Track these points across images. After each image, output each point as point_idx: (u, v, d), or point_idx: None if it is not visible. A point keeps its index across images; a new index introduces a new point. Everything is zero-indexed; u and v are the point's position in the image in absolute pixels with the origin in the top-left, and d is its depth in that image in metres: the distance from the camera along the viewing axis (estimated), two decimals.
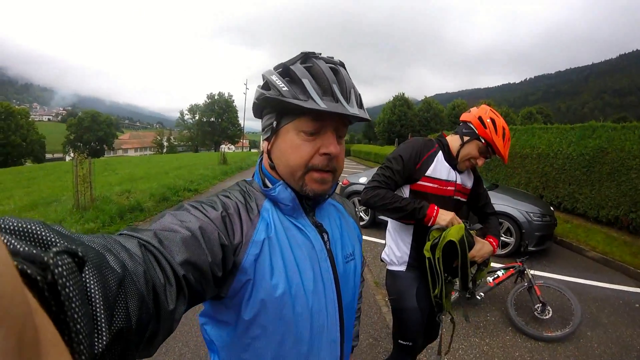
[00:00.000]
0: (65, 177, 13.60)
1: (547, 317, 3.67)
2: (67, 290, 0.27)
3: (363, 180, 7.54)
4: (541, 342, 3.42)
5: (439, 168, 1.82)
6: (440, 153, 1.85)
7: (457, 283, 1.77)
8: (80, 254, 0.30)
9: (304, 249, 0.82)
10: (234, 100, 76.44)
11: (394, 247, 1.95)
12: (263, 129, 0.87)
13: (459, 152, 1.83)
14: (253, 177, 0.93)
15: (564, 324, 3.57)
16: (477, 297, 3.89)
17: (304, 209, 0.87)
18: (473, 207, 2.10)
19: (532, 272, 3.83)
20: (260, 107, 0.86)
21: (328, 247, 0.88)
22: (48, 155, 71.43)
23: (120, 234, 0.55)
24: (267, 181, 0.86)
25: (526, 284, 3.77)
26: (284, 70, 0.78)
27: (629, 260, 5.82)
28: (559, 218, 7.33)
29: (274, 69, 0.81)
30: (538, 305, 3.70)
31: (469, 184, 1.97)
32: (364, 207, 7.22)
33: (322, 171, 0.80)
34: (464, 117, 1.87)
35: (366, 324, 3.58)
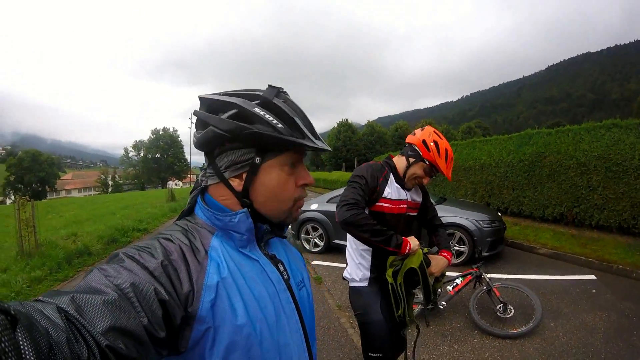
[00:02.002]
0: (6, 221, 12.91)
1: (509, 315, 3.79)
2: (2, 345, 0.26)
3: (315, 206, 7.56)
4: (508, 339, 3.53)
5: (392, 190, 1.93)
6: (391, 175, 1.97)
7: (419, 296, 1.87)
8: (12, 312, 0.30)
9: (260, 282, 0.78)
10: (179, 135, 75.53)
11: (355, 265, 2.01)
12: (230, 165, 0.79)
13: (405, 172, 1.95)
14: (193, 213, 0.86)
15: (527, 320, 3.71)
16: (440, 306, 3.98)
17: (257, 242, 0.84)
18: (422, 220, 2.22)
19: (489, 275, 3.99)
20: (223, 141, 0.77)
21: (285, 277, 0.86)
22: None
23: (37, 300, 0.49)
24: (220, 215, 0.79)
25: (485, 287, 3.90)
26: (265, 104, 0.75)
27: (579, 251, 6.27)
28: (508, 222, 7.72)
29: (249, 99, 0.76)
30: (499, 305, 3.82)
31: (417, 198, 2.10)
32: (319, 234, 7.29)
33: (301, 200, 0.85)
34: (409, 139, 1.98)
35: (334, 348, 3.54)
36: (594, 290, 4.75)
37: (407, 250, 1.74)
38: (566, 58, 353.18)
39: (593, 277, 5.30)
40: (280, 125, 0.74)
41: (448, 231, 6.17)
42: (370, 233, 1.73)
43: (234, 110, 0.75)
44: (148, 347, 0.56)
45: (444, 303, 4.00)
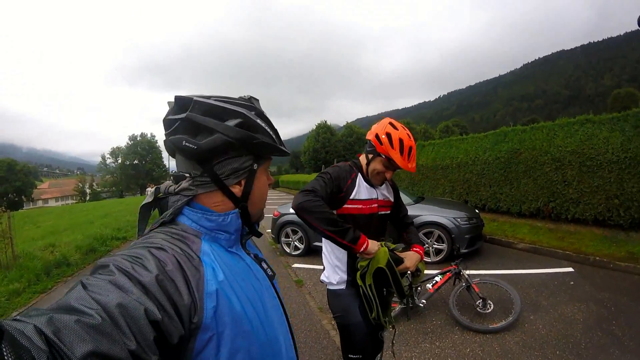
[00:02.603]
0: None
1: (489, 310, 3.86)
2: None
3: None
4: (488, 334, 3.59)
5: (362, 190, 1.91)
6: (359, 175, 1.94)
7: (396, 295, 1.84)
8: None
9: (249, 281, 0.80)
10: (156, 140, 73.68)
11: (331, 268, 1.98)
12: (234, 173, 0.80)
13: (367, 169, 1.93)
14: (174, 219, 0.82)
15: (507, 314, 3.79)
16: (420, 304, 4.02)
17: (241, 243, 0.89)
18: (393, 218, 2.18)
19: (468, 272, 4.04)
20: (231, 148, 0.78)
21: (270, 273, 0.93)
22: None
23: (15, 319, 0.46)
24: (209, 216, 0.80)
25: (464, 284, 3.96)
26: (260, 114, 0.84)
27: (556, 244, 6.45)
28: (485, 218, 7.88)
29: (245, 108, 0.82)
30: (479, 301, 3.89)
31: (389, 196, 2.08)
32: (299, 237, 7.24)
33: None
34: (368, 135, 1.95)
35: (317, 350, 3.55)
36: (572, 282, 4.87)
37: (362, 249, 1.66)
38: (541, 56, 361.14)
39: (571, 269, 5.44)
40: (273, 135, 0.85)
41: (426, 230, 6.22)
42: (324, 222, 1.64)
43: (240, 120, 0.77)
44: None
45: (423, 301, 4.04)
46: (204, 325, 0.64)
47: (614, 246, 5.99)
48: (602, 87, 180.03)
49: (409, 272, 1.87)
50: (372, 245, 1.69)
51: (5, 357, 0.31)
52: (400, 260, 1.77)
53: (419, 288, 4.11)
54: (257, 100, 0.88)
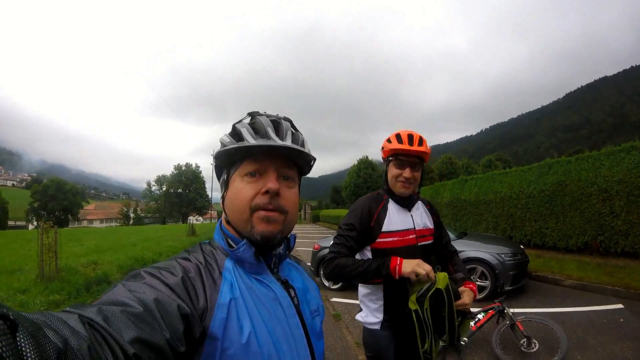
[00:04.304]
0: (28, 245, 13.27)
1: (534, 349, 3.65)
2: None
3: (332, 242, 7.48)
4: None
5: (394, 219, 1.81)
6: (390, 202, 1.86)
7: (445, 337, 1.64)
8: (11, 317, 0.31)
9: (269, 307, 0.79)
10: (201, 171, 77.10)
11: (368, 310, 1.88)
12: (221, 186, 0.90)
13: (388, 182, 1.87)
14: (214, 237, 0.91)
15: (552, 353, 3.57)
16: (461, 342, 3.83)
17: (269, 267, 0.86)
18: (437, 247, 2.04)
19: (512, 310, 3.84)
20: (219, 168, 0.91)
21: (296, 302, 0.86)
22: (10, 222, 68.38)
23: (63, 311, 0.50)
24: (230, 241, 0.84)
25: (508, 322, 3.76)
26: (232, 130, 0.85)
27: (605, 280, 6.05)
28: (531, 254, 7.49)
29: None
30: (523, 340, 3.68)
31: (429, 224, 1.95)
32: None
33: (266, 210, 0.80)
34: None
35: None
36: (622, 320, 4.58)
37: (398, 269, 1.57)
38: (584, 84, 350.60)
39: (620, 306, 5.13)
40: (227, 140, 0.84)
41: (469, 266, 6.00)
42: (354, 278, 1.68)
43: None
44: None
45: (465, 339, 3.85)
46: (210, 333, 0.67)
47: None
48: None
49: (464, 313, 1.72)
50: (406, 262, 1.59)
51: (23, 348, 0.32)
52: (457, 295, 1.63)
53: (464, 333, 3.92)
54: (249, 115, 0.88)
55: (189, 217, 68.17)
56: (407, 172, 1.77)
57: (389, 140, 1.81)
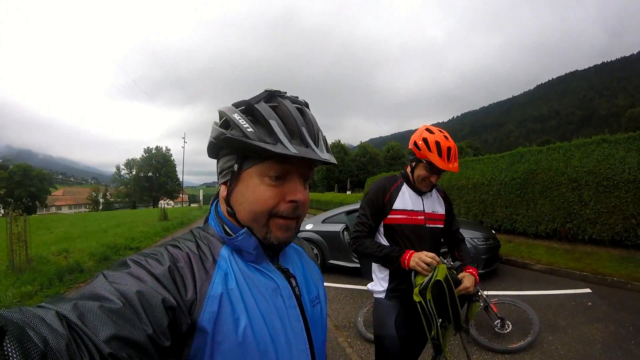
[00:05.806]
0: None
1: (507, 330, 3.80)
2: None
3: (309, 227, 7.52)
4: (507, 354, 3.52)
5: (406, 200, 1.94)
6: (404, 185, 1.98)
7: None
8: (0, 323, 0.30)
9: (268, 297, 0.74)
10: (171, 154, 75.23)
11: (376, 279, 2.02)
12: (220, 172, 0.81)
13: (413, 177, 1.95)
14: (207, 222, 0.85)
15: (525, 334, 3.71)
16: (469, 325, 3.94)
17: (268, 256, 0.81)
18: (446, 233, 2.16)
19: (485, 292, 3.97)
20: (218, 147, 0.80)
21: (297, 292, 0.82)
22: None
23: (39, 306, 0.48)
24: (227, 228, 0.78)
25: (482, 304, 3.88)
26: (248, 109, 0.73)
27: (573, 266, 6.34)
28: (502, 239, 7.75)
29: (235, 106, 0.75)
30: (497, 321, 3.83)
31: (440, 209, 2.05)
32: (315, 254, 7.20)
33: (286, 218, 0.75)
34: (409, 144, 1.98)
35: None
36: (590, 303, 4.80)
37: (407, 257, 1.77)
38: (554, 77, 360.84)
39: (588, 290, 5.36)
40: (250, 130, 0.70)
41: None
42: (374, 260, 1.94)
43: (223, 118, 0.75)
44: (152, 356, 0.54)
45: (472, 321, 3.97)
46: (199, 326, 0.63)
47: (631, 266, 5.90)
48: (615, 107, 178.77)
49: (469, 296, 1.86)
50: (415, 255, 1.76)
51: (10, 354, 0.32)
52: (458, 282, 1.75)
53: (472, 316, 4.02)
54: (268, 93, 0.77)
55: (159, 202, 66.50)
56: (434, 179, 1.90)
57: (427, 145, 1.81)
